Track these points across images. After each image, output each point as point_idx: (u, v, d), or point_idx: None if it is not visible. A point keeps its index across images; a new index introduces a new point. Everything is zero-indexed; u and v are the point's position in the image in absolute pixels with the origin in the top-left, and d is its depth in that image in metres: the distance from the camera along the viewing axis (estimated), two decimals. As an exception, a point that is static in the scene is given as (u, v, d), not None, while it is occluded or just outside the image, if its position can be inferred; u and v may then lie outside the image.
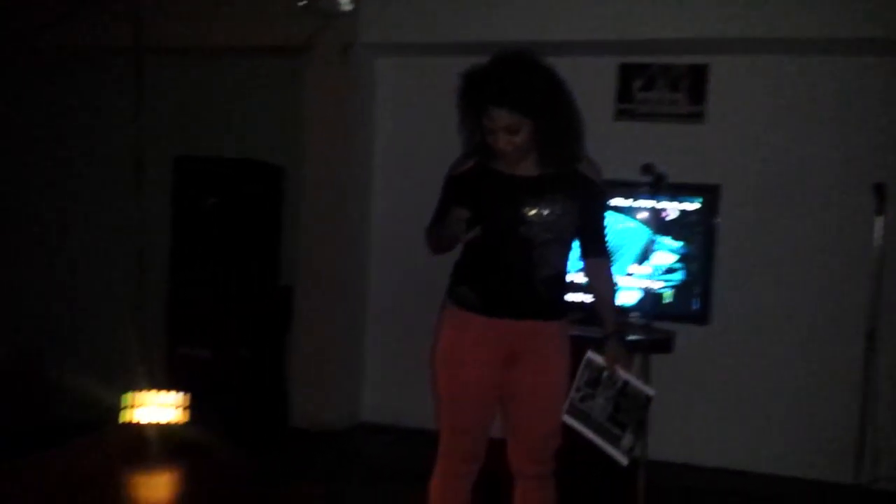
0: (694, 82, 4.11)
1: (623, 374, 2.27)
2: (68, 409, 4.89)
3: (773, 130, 4.07)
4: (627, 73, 4.22)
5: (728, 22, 3.81)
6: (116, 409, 3.94)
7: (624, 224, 3.82)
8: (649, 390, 2.23)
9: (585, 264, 2.39)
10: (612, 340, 2.29)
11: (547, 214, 2.20)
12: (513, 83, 2.09)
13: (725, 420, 4.15)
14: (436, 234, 2.31)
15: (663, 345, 3.61)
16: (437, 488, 2.42)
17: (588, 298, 2.46)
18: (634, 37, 3.97)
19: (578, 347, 2.37)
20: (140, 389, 3.95)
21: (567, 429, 2.32)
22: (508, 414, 2.37)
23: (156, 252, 4.46)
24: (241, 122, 4.92)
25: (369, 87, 4.66)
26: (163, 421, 3.93)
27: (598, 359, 2.30)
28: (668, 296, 3.78)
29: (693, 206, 3.75)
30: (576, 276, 2.67)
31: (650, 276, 3.50)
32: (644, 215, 3.77)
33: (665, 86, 4.16)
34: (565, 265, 2.33)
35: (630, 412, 2.22)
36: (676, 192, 3.65)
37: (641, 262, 3.75)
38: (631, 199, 3.80)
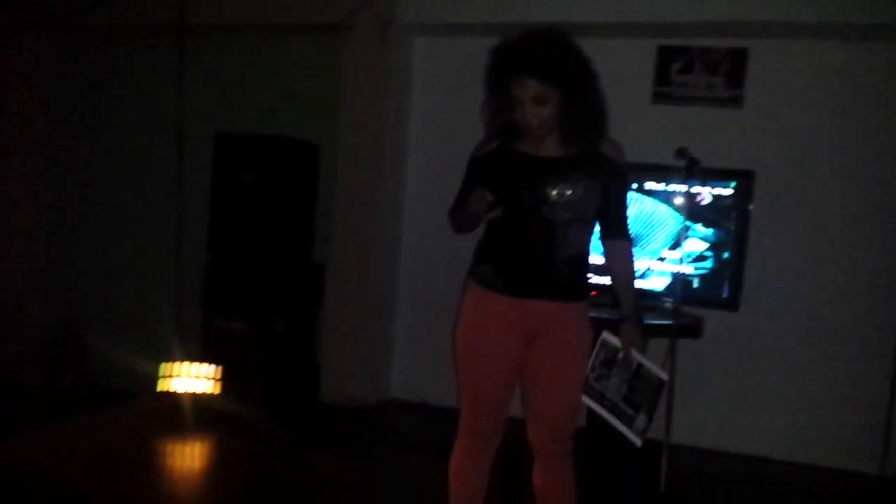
0: (733, 66, 4.04)
1: (637, 356, 2.27)
2: (108, 376, 5.05)
3: (812, 117, 4.00)
4: (666, 56, 4.16)
5: (770, 5, 3.74)
6: (154, 378, 4.07)
7: (656, 208, 3.80)
8: (663, 374, 2.23)
9: (605, 245, 2.39)
10: (629, 323, 2.29)
11: (569, 195, 2.21)
12: (544, 53, 2.13)
13: (750, 407, 4.12)
14: (459, 214, 2.33)
15: (692, 330, 3.59)
16: (456, 463, 2.46)
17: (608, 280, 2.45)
18: (674, 19, 3.92)
19: (598, 329, 2.38)
20: (177, 360, 4.06)
21: (589, 413, 2.33)
22: (528, 393, 2.39)
23: (195, 226, 4.57)
24: (280, 99, 4.97)
25: (406, 66, 4.67)
26: (197, 391, 4.04)
27: (614, 340, 2.31)
28: (697, 281, 3.75)
29: (726, 191, 3.71)
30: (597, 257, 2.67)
31: (680, 261, 3.48)
32: (677, 200, 3.74)
33: (703, 69, 4.10)
34: (587, 246, 2.33)
35: (644, 394, 2.23)
36: (709, 177, 3.61)
37: (674, 248, 3.73)
38: (664, 184, 3.77)
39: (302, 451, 3.82)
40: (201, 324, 4.61)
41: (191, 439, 3.86)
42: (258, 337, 4.47)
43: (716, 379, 4.13)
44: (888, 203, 3.86)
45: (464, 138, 2.39)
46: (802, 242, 4.03)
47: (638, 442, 2.25)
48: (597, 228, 2.37)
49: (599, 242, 2.40)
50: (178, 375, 4.05)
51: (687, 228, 3.70)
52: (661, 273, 3.78)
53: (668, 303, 3.59)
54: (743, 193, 3.72)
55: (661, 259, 3.78)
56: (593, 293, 3.38)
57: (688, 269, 3.75)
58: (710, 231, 3.73)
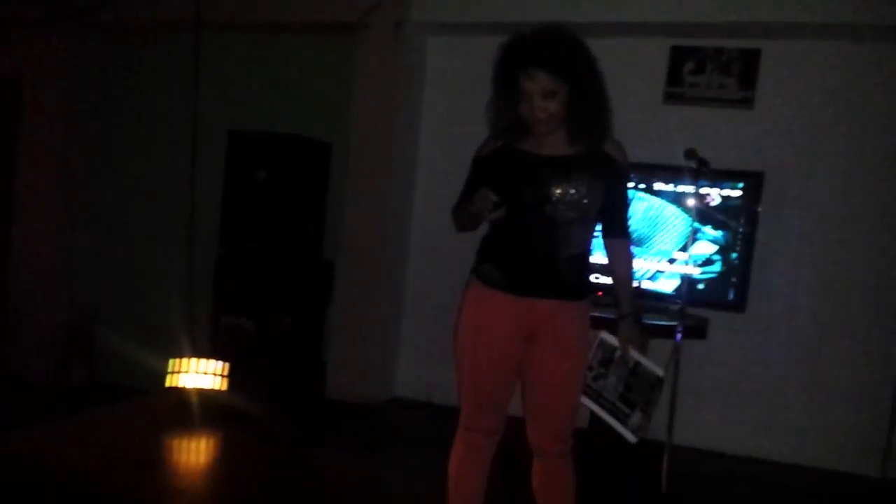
0: (745, 67, 4.02)
1: (635, 354, 2.28)
2: (117, 372, 5.09)
3: (823, 119, 3.98)
4: (678, 56, 4.15)
5: (783, 6, 3.73)
6: (162, 374, 4.10)
7: (665, 208, 3.78)
8: (660, 371, 2.23)
9: (606, 244, 2.39)
10: (627, 321, 2.30)
11: (573, 194, 2.20)
12: (555, 47, 2.15)
13: (753, 408, 4.11)
14: (462, 213, 2.32)
15: (697, 331, 3.57)
16: (456, 460, 2.46)
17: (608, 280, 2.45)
18: (687, 19, 3.91)
19: (598, 329, 2.38)
20: (185, 356, 4.09)
21: (591, 413, 2.33)
22: (528, 392, 2.39)
23: (206, 223, 4.60)
24: (293, 98, 5.00)
25: (420, 65, 4.69)
26: (205, 387, 4.07)
27: (611, 339, 2.32)
28: (704, 283, 3.73)
29: (735, 192, 3.69)
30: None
31: (688, 262, 3.46)
32: (687, 201, 3.72)
33: (716, 70, 4.08)
34: (589, 245, 2.33)
35: (640, 392, 2.23)
36: (718, 178, 3.59)
37: (683, 250, 3.71)
38: (673, 184, 3.75)
39: (307, 448, 3.84)
40: (210, 320, 4.63)
41: (197, 435, 3.89)
42: (265, 334, 4.49)
43: (719, 380, 4.12)
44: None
45: (475, 138, 2.39)
46: (810, 245, 4.02)
47: (632, 439, 2.25)
48: (598, 227, 2.37)
49: (601, 241, 2.39)
50: (185, 371, 4.09)
51: (696, 231, 3.69)
52: (672, 276, 3.76)
53: (675, 304, 3.58)
54: (752, 195, 3.70)
55: (672, 261, 3.76)
56: (599, 293, 3.39)
57: (695, 270, 3.73)
58: (719, 234, 3.72)
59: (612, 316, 2.38)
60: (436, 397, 4.51)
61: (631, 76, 4.19)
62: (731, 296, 3.74)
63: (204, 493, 3.30)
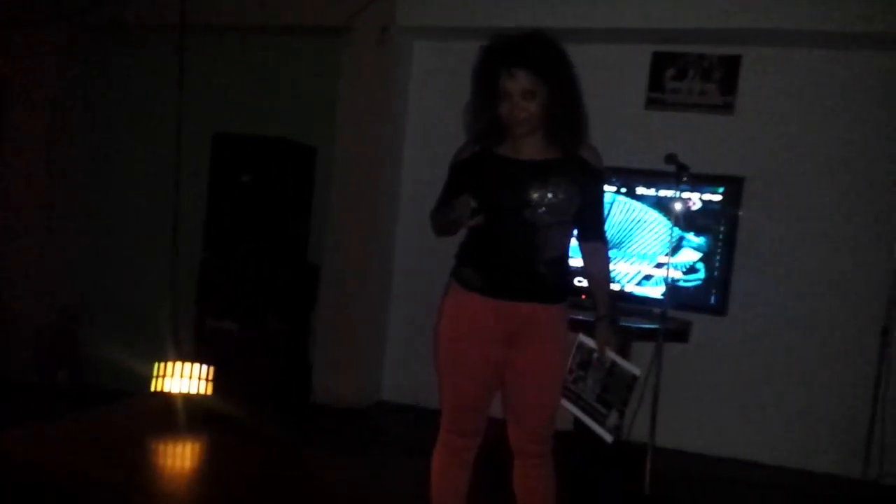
0: (726, 73, 4.07)
1: (612, 355, 2.30)
2: (101, 374, 5.08)
3: (802, 124, 4.03)
4: (660, 62, 4.20)
5: (764, 13, 3.77)
6: (147, 376, 4.09)
7: (646, 213, 3.82)
8: (635, 370, 2.25)
9: (583, 248, 2.42)
10: (603, 323, 2.33)
11: (551, 198, 2.23)
12: (535, 48, 2.20)
13: (736, 411, 4.15)
14: (441, 218, 2.35)
15: (680, 334, 3.61)
16: (438, 462, 2.48)
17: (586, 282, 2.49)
18: (669, 25, 3.95)
19: (575, 331, 2.41)
20: (170, 360, 4.09)
21: (575, 416, 2.36)
22: (508, 394, 2.41)
23: (192, 226, 4.60)
24: (278, 101, 5.02)
25: (405, 69, 4.70)
26: (190, 391, 4.07)
27: (589, 341, 2.34)
28: (687, 286, 3.77)
29: (715, 197, 3.73)
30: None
31: (670, 266, 3.50)
32: (668, 206, 3.75)
33: (697, 76, 4.13)
34: (567, 248, 2.36)
35: (617, 392, 2.26)
36: (699, 183, 3.63)
37: (668, 254, 3.75)
38: (655, 189, 3.79)
39: (293, 452, 3.84)
40: (195, 323, 4.63)
41: (182, 439, 3.89)
42: (251, 337, 4.49)
43: (702, 383, 4.16)
44: (876, 211, 3.89)
45: (461, 141, 2.42)
46: (790, 248, 4.07)
47: (609, 438, 2.28)
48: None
49: (577, 245, 2.42)
50: (170, 375, 4.08)
51: (681, 239, 3.73)
52: (657, 283, 3.79)
53: (657, 308, 3.61)
54: (732, 199, 3.74)
55: (660, 265, 3.79)
56: (584, 296, 3.42)
57: (676, 273, 3.76)
58: (702, 241, 3.75)
59: (589, 318, 2.41)
60: (422, 400, 4.50)
61: (613, 82, 4.23)
62: (712, 299, 3.78)
63: (189, 498, 3.30)
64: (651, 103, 4.22)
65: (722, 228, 3.74)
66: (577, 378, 2.33)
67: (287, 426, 4.17)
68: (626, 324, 3.48)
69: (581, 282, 3.41)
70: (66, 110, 5.46)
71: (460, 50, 4.49)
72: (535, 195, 2.23)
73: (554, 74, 2.20)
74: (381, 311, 4.75)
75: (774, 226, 4.06)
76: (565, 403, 2.35)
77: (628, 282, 3.87)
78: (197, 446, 3.88)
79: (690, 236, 3.77)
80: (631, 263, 3.86)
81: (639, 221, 3.83)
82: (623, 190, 3.86)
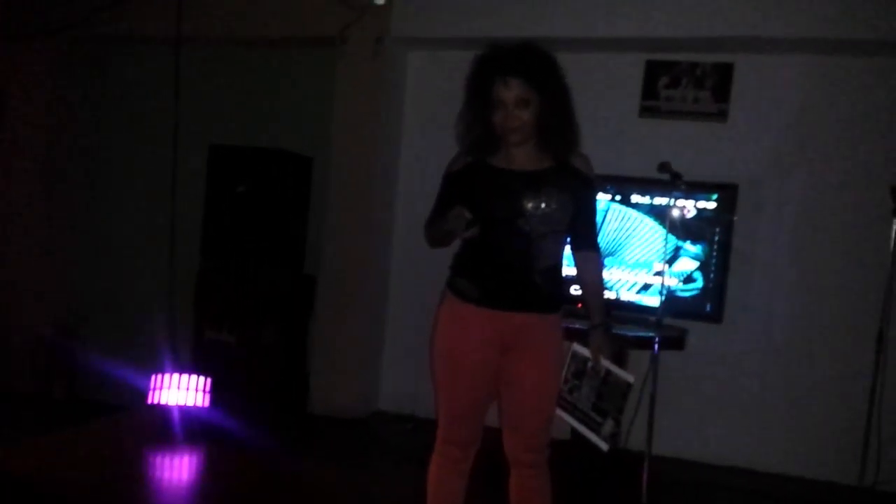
0: (719, 81, 4.08)
1: (606, 363, 2.31)
2: (97, 386, 5.07)
3: (795, 131, 4.05)
4: (654, 70, 4.21)
5: (756, 21, 3.79)
6: (144, 389, 4.09)
7: (641, 221, 3.83)
8: (629, 377, 2.26)
9: (576, 257, 2.43)
10: (597, 331, 2.34)
11: (544, 208, 2.24)
12: (528, 57, 2.24)
13: (732, 418, 4.15)
14: (435, 230, 2.36)
15: (676, 342, 3.61)
16: (434, 472, 2.49)
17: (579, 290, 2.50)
18: (662, 34, 3.97)
19: (569, 339, 2.43)
20: (167, 372, 4.08)
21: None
22: (504, 403, 2.41)
23: (189, 237, 4.60)
24: (274, 112, 5.03)
25: (400, 80, 4.71)
26: (187, 403, 4.06)
27: (583, 350, 2.36)
28: (683, 295, 3.78)
29: (710, 204, 3.75)
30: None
31: (665, 274, 3.51)
32: (663, 215, 3.76)
33: (690, 84, 4.14)
34: (561, 257, 2.38)
35: (612, 400, 2.26)
36: (693, 190, 3.64)
37: (667, 264, 3.76)
38: (649, 197, 3.81)
39: (291, 463, 3.83)
40: (192, 334, 4.63)
41: (180, 451, 3.88)
42: (247, 348, 4.50)
43: (699, 390, 4.15)
44: (870, 218, 3.88)
45: (455, 151, 2.43)
46: (785, 255, 4.08)
47: (604, 447, 2.29)
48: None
49: (570, 254, 2.43)
50: (167, 387, 4.07)
51: (679, 249, 3.74)
52: (653, 293, 3.78)
53: (653, 316, 3.62)
54: (726, 206, 3.75)
55: (658, 274, 3.80)
56: (579, 305, 3.42)
57: (672, 280, 3.77)
58: (699, 249, 3.76)
59: (583, 327, 2.42)
60: (419, 410, 4.50)
61: (607, 90, 4.24)
62: (708, 307, 3.79)
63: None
64: (645, 111, 4.23)
65: (717, 236, 3.75)
66: (573, 387, 2.34)
67: (284, 436, 4.16)
68: (623, 332, 3.48)
69: (576, 290, 3.42)
70: (63, 122, 5.47)
71: (455, 60, 4.51)
72: (529, 205, 2.24)
73: (547, 84, 2.23)
74: (378, 320, 4.75)
75: (768, 233, 4.07)
76: (561, 413, 2.35)
77: (628, 290, 3.87)
78: (195, 458, 3.87)
79: (688, 245, 3.78)
80: (627, 271, 3.86)
81: (634, 229, 3.84)
82: (618, 198, 3.87)
